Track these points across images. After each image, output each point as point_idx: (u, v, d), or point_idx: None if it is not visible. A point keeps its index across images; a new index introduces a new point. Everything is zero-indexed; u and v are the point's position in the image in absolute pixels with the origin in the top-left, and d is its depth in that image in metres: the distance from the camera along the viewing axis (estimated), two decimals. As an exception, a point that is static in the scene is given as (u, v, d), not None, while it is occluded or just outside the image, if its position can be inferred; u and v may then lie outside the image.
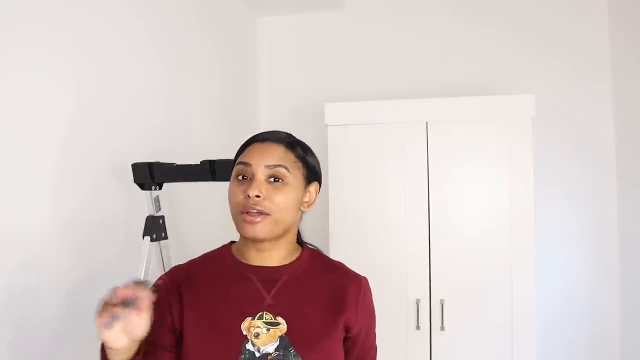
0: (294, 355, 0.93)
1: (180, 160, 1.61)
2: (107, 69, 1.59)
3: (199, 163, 1.45)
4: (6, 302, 1.21)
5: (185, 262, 1.07)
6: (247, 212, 0.93)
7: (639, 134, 2.40)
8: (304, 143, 1.06)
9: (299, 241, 1.10)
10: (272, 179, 0.96)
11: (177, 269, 1.05)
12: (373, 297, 1.10)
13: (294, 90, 2.95)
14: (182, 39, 2.11)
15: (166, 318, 0.97)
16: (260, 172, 0.95)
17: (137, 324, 0.80)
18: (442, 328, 2.22)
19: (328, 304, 0.99)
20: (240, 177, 0.97)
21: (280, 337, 0.93)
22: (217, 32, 2.48)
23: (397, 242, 2.28)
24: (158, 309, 0.94)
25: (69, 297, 1.41)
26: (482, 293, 2.22)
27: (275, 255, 1.01)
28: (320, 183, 1.07)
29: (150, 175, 1.52)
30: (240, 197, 0.95)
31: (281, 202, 0.95)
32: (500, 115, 2.24)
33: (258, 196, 0.93)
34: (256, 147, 0.99)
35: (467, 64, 2.74)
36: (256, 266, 1.00)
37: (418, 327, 2.23)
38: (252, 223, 0.93)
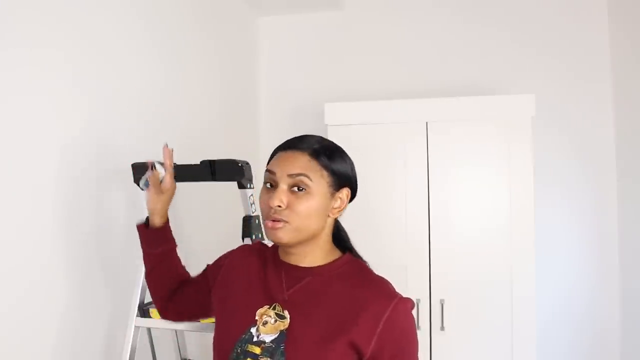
0: (281, 353, 0.94)
1: (180, 160, 1.61)
2: (107, 68, 1.59)
3: (199, 163, 1.45)
4: (7, 303, 1.21)
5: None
6: (270, 219, 0.98)
7: (639, 134, 2.41)
8: (334, 148, 1.03)
9: (344, 247, 1.10)
10: (295, 188, 0.97)
11: (251, 245, 1.19)
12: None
13: (293, 90, 2.95)
14: (182, 39, 2.11)
15: (211, 273, 1.16)
16: (283, 182, 0.97)
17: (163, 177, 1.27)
18: (442, 328, 2.22)
19: (338, 317, 0.94)
20: (268, 185, 1.01)
21: (281, 332, 0.96)
22: (217, 32, 2.48)
23: (397, 241, 2.28)
24: (218, 260, 1.18)
25: (69, 296, 1.41)
26: (482, 293, 2.22)
27: (305, 258, 1.03)
28: (352, 188, 1.06)
29: (150, 175, 1.52)
30: (265, 205, 1.00)
31: (302, 211, 0.97)
32: (500, 115, 2.24)
33: (280, 206, 0.96)
34: (281, 155, 1.01)
35: (467, 64, 2.74)
36: (290, 264, 1.04)
37: (418, 327, 2.23)
38: (274, 229, 0.97)
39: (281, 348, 0.94)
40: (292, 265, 1.04)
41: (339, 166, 1.02)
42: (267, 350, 0.94)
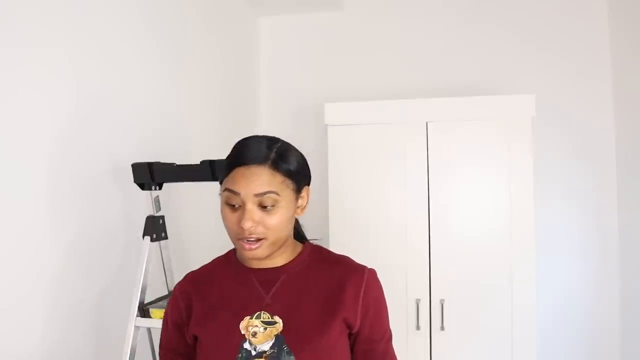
0: (287, 353, 0.94)
1: (180, 161, 1.61)
2: (107, 68, 1.60)
3: (199, 163, 1.45)
4: (9, 304, 1.21)
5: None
6: (244, 240, 0.96)
7: (639, 134, 2.41)
8: (287, 150, 1.00)
9: (301, 237, 1.11)
10: (263, 204, 0.95)
11: (192, 274, 1.10)
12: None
13: (294, 90, 2.95)
14: (183, 39, 2.11)
15: (176, 324, 1.06)
16: (250, 202, 0.94)
17: None
18: (442, 328, 2.22)
19: (325, 301, 0.99)
20: (231, 205, 0.96)
21: (276, 336, 0.96)
22: (218, 32, 2.48)
23: (397, 242, 2.28)
24: (173, 316, 1.07)
25: (69, 297, 1.41)
26: (482, 293, 2.22)
27: (275, 259, 1.03)
28: (310, 180, 1.06)
29: (150, 175, 1.52)
30: (234, 226, 0.96)
31: (276, 225, 0.96)
32: (500, 115, 2.24)
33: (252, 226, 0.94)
34: (241, 172, 0.95)
35: (467, 64, 2.74)
36: (257, 268, 1.03)
37: (418, 327, 2.23)
38: (251, 250, 0.96)
39: (285, 349, 0.94)
40: (261, 269, 1.02)
41: (297, 168, 1.00)
42: (272, 357, 0.94)
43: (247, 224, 0.93)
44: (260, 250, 0.96)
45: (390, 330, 1.09)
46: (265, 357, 0.94)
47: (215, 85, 2.44)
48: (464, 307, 2.23)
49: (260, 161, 0.95)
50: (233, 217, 0.96)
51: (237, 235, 0.96)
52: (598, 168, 2.62)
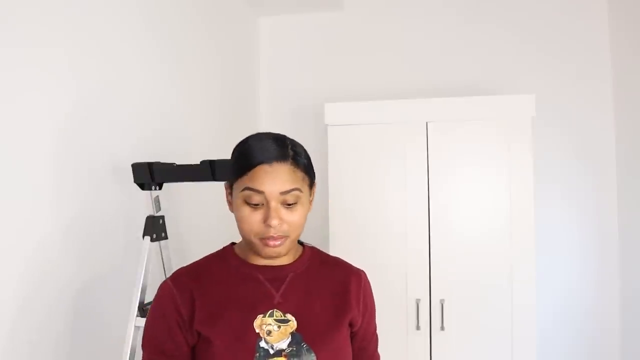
0: (307, 350, 0.95)
1: (180, 161, 1.61)
2: (107, 68, 1.59)
3: (199, 163, 1.45)
4: (10, 305, 1.21)
5: (186, 264, 1.07)
6: (268, 238, 0.95)
7: (639, 134, 2.41)
8: (298, 146, 1.01)
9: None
10: (286, 202, 0.95)
11: (185, 269, 1.04)
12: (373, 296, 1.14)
13: (294, 90, 2.95)
14: (183, 39, 2.11)
15: (176, 324, 0.98)
16: (275, 200, 0.94)
17: None
18: (442, 328, 2.22)
19: (333, 300, 1.03)
20: (252, 204, 0.95)
21: (292, 334, 0.96)
22: (218, 32, 2.48)
23: (397, 242, 2.28)
24: (167, 316, 0.98)
25: (69, 297, 1.41)
26: (482, 293, 2.22)
27: (281, 259, 1.03)
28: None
29: (150, 175, 1.52)
30: (257, 225, 0.95)
31: (297, 221, 0.97)
32: (500, 115, 2.24)
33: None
34: (264, 171, 0.93)
35: (467, 64, 2.74)
36: (262, 266, 1.02)
37: (418, 327, 2.23)
38: (275, 247, 0.96)
39: (304, 347, 0.95)
40: (267, 266, 1.02)
41: (309, 162, 1.01)
42: (292, 355, 0.94)
43: (275, 222, 0.93)
44: (283, 247, 0.97)
45: (377, 333, 1.16)
46: (285, 355, 0.94)
47: (215, 85, 2.44)
48: (464, 307, 2.23)
49: (281, 158, 0.95)
50: (255, 216, 0.94)
51: (261, 234, 0.95)
52: (598, 168, 2.62)
